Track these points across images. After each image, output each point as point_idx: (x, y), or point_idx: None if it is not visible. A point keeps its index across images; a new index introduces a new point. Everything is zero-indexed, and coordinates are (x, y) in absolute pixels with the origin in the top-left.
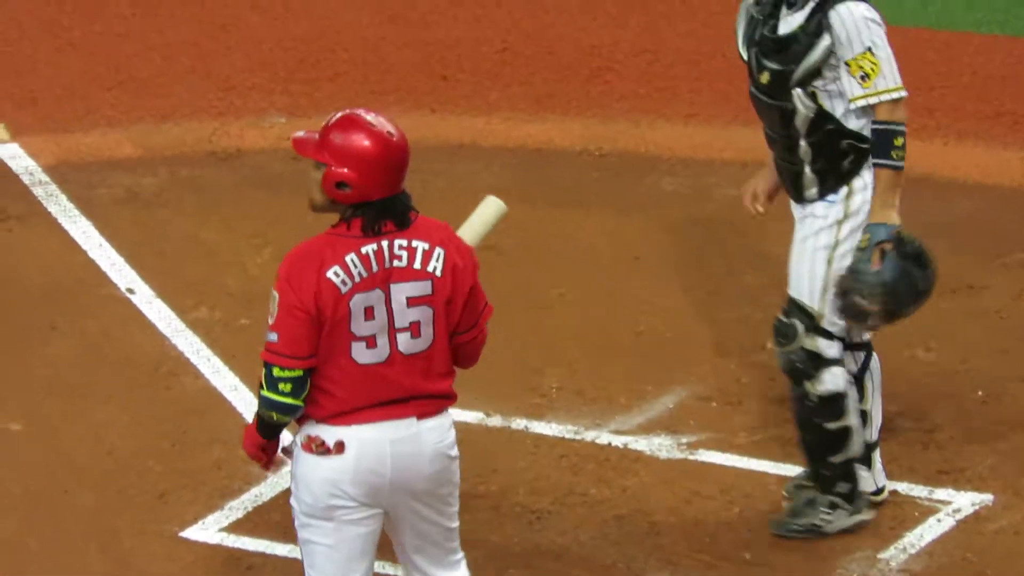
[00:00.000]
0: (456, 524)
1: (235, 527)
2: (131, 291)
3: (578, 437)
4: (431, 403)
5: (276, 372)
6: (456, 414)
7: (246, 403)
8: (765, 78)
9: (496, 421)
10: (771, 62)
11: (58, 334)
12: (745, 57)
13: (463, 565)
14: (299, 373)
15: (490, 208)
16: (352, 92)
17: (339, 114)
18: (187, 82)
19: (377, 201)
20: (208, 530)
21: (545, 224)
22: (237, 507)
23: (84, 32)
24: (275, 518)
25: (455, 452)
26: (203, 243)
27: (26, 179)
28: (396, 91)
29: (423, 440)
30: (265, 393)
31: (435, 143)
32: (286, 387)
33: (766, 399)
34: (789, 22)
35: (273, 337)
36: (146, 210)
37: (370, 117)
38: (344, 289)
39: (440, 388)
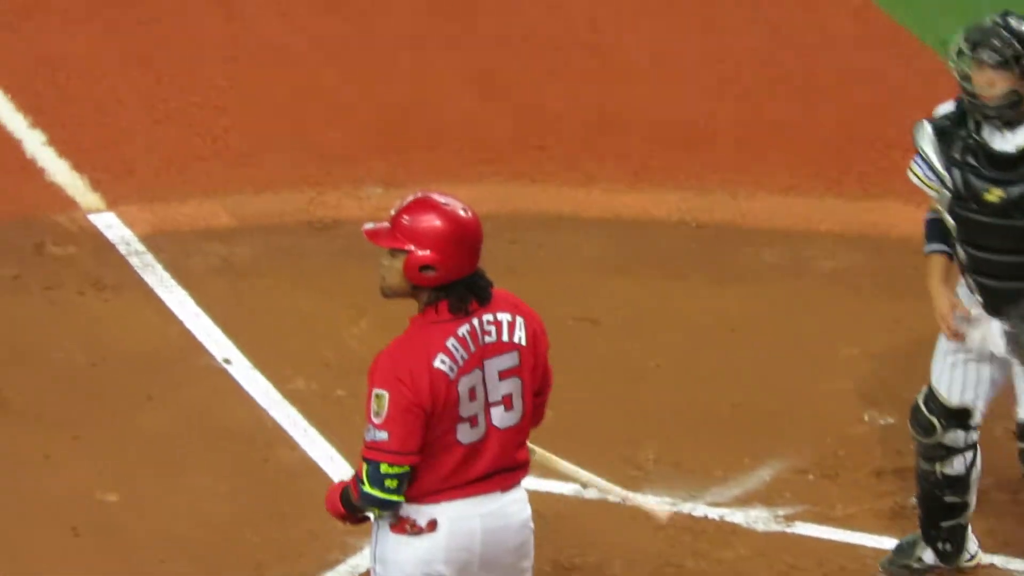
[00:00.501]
0: None
1: None
2: (228, 361)
3: (674, 509)
4: (512, 475)
5: (384, 468)
6: (553, 486)
7: (342, 473)
8: (994, 196)
9: (592, 493)
10: (1001, 181)
11: (154, 404)
12: (944, 179)
13: None
14: (407, 469)
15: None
16: (449, 162)
17: (410, 198)
18: (283, 152)
19: (461, 280)
20: None
21: (642, 295)
22: None
23: (181, 103)
24: None
25: (532, 524)
26: (300, 313)
27: (122, 248)
28: (494, 162)
29: (509, 512)
30: (368, 490)
31: (534, 213)
32: (392, 483)
33: (863, 472)
34: (1011, 139)
35: (381, 436)
36: (242, 280)
37: (441, 198)
38: (452, 375)
39: (520, 458)
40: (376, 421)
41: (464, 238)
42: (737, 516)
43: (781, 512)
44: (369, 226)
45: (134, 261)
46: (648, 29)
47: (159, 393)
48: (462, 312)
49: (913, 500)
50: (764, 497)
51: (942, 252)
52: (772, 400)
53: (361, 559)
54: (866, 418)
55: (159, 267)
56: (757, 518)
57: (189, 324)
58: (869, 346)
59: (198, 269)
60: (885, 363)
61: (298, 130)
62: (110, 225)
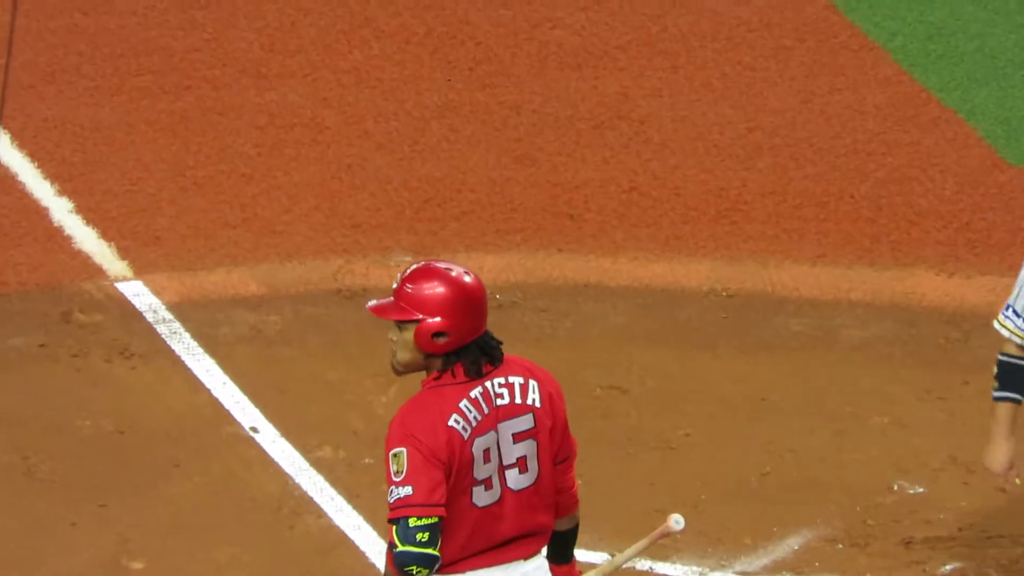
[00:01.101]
0: None
1: None
2: (255, 430)
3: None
4: (534, 541)
5: (412, 522)
6: (582, 555)
7: (370, 542)
8: None
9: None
10: None
11: (181, 472)
12: None
13: None
14: (436, 520)
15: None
16: (478, 231)
17: (411, 268)
18: (312, 221)
19: (472, 343)
20: None
21: (671, 365)
22: None
23: (209, 172)
24: None
25: None
26: (328, 382)
27: (150, 317)
28: (522, 231)
29: None
30: (401, 548)
31: (561, 283)
32: (424, 536)
33: (892, 541)
34: None
35: (405, 491)
36: (270, 348)
37: (441, 264)
38: (466, 436)
39: (543, 523)
40: (397, 480)
41: (471, 300)
42: None
43: None
44: (374, 303)
45: (161, 329)
46: (678, 99)
47: (186, 461)
48: (476, 374)
49: (944, 569)
50: (793, 566)
51: (1014, 401)
52: (801, 469)
53: None
54: (895, 487)
55: (187, 335)
56: None
57: (216, 392)
58: (899, 415)
59: (226, 338)
60: (915, 432)
61: (327, 199)
62: (137, 293)
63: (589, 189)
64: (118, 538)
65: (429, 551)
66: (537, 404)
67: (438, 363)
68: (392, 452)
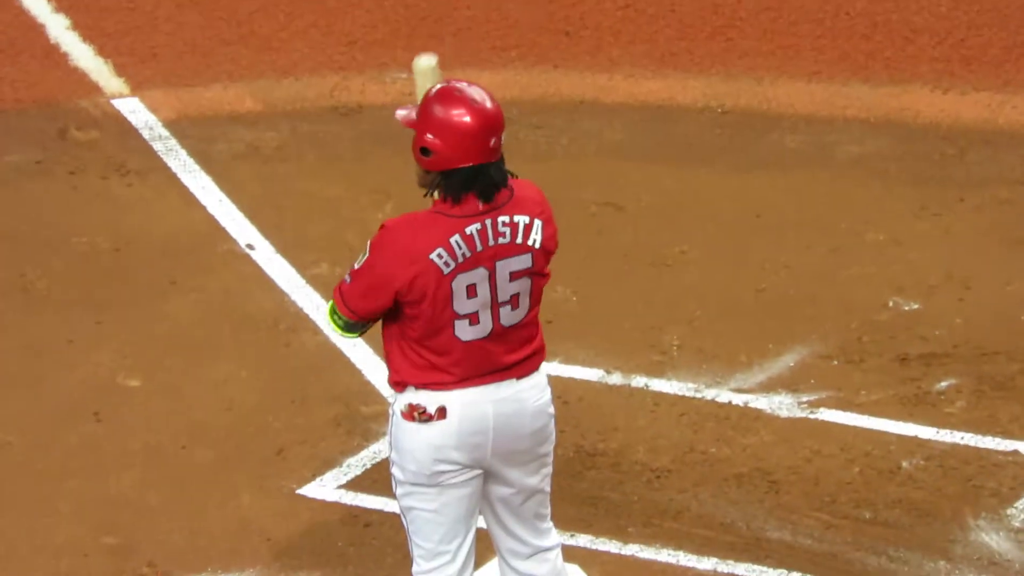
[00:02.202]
0: (549, 489)
1: (353, 484)
2: (251, 247)
3: (698, 395)
4: (528, 364)
5: (336, 308)
6: (576, 371)
7: (365, 359)
8: None
9: (616, 379)
10: None
11: (177, 290)
12: None
13: (554, 533)
14: (352, 321)
15: (421, 72)
16: (474, 48)
17: (438, 85)
18: (309, 37)
19: (462, 170)
20: (326, 487)
21: (667, 182)
22: (355, 464)
23: None
24: None
25: (552, 409)
26: (324, 199)
27: (146, 134)
28: (518, 47)
29: (524, 398)
30: (328, 316)
31: (557, 100)
32: (339, 321)
33: (887, 357)
34: None
35: (347, 280)
36: (266, 165)
37: (463, 87)
38: (447, 271)
39: (535, 353)
40: (354, 266)
41: (464, 126)
42: (761, 402)
43: (805, 398)
44: (402, 111)
45: (158, 146)
46: None
47: (182, 278)
48: (454, 200)
49: (939, 386)
50: (788, 383)
51: None
52: (797, 286)
53: (382, 445)
54: (891, 304)
55: (183, 152)
56: (781, 404)
57: (212, 209)
58: (894, 232)
59: (222, 154)
60: (911, 249)
61: (324, 15)
62: (134, 110)
63: (585, 6)
64: (115, 355)
65: (341, 333)
66: (537, 245)
67: (430, 181)
68: (368, 244)
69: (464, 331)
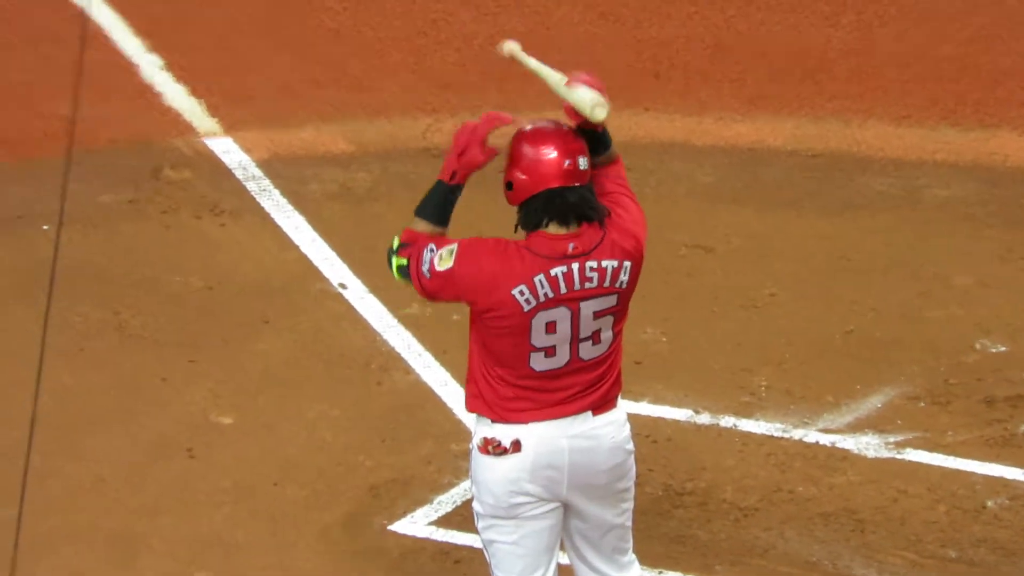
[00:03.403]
0: (630, 523)
1: (443, 521)
2: (343, 286)
3: (786, 435)
4: (605, 400)
5: (405, 267)
6: (665, 411)
7: (456, 398)
8: None
9: (705, 419)
10: None
11: (270, 329)
12: None
13: (636, 567)
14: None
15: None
16: None
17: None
18: (400, 78)
19: (534, 198)
20: (417, 524)
21: (756, 224)
22: (446, 501)
23: (298, 30)
24: None
25: (631, 447)
26: None
27: (239, 174)
28: (609, 89)
29: (600, 434)
30: (390, 253)
31: (647, 141)
32: (399, 267)
33: (973, 400)
34: None
35: (424, 264)
36: (359, 205)
37: (542, 124)
38: (527, 308)
39: (613, 390)
40: (431, 255)
41: (539, 153)
42: (848, 442)
43: (892, 439)
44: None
45: (251, 186)
46: None
47: (275, 318)
48: (532, 227)
49: None
50: (875, 424)
51: None
52: (884, 328)
53: None
54: (978, 347)
55: (276, 192)
56: (868, 444)
57: (305, 249)
58: (982, 275)
59: (315, 194)
60: (998, 292)
61: (415, 58)
62: (227, 150)
63: (674, 47)
64: (208, 393)
65: (399, 276)
66: (624, 286)
67: (521, 217)
68: (456, 249)
69: (539, 363)
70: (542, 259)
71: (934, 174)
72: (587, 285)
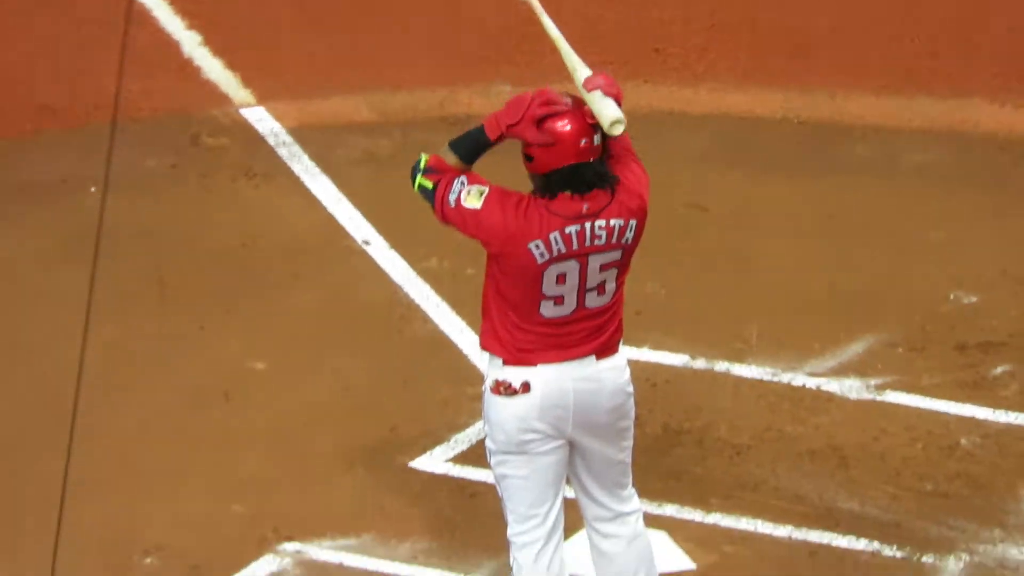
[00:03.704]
0: (630, 460)
1: (460, 458)
2: (367, 243)
3: (775, 379)
4: (608, 346)
5: (432, 187)
6: (664, 357)
7: (472, 345)
8: None
9: (701, 364)
10: None
11: (300, 283)
12: None
13: (635, 499)
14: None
15: (602, 106)
16: None
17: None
18: (420, 54)
19: (555, 173)
20: (435, 461)
21: (748, 187)
22: (462, 440)
23: (326, 8)
24: None
25: (631, 389)
26: None
27: (271, 140)
28: (612, 63)
29: (603, 378)
30: (417, 170)
31: (647, 111)
32: (423, 183)
33: (947, 346)
34: None
35: (451, 196)
36: (381, 170)
37: (554, 96)
38: (541, 260)
39: (615, 336)
40: (460, 187)
41: (561, 134)
42: (833, 385)
43: (872, 382)
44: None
45: (282, 152)
46: None
47: (304, 272)
48: (549, 196)
49: (995, 371)
50: (857, 368)
51: None
52: (865, 281)
53: None
54: (951, 298)
55: (305, 157)
56: (851, 387)
57: (332, 209)
58: (955, 232)
59: (341, 160)
60: (969, 248)
61: (433, 34)
62: (260, 119)
63: (673, 26)
64: (243, 341)
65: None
66: (628, 242)
67: (539, 184)
68: (486, 193)
69: (548, 310)
70: (559, 218)
71: (911, 140)
72: (596, 242)
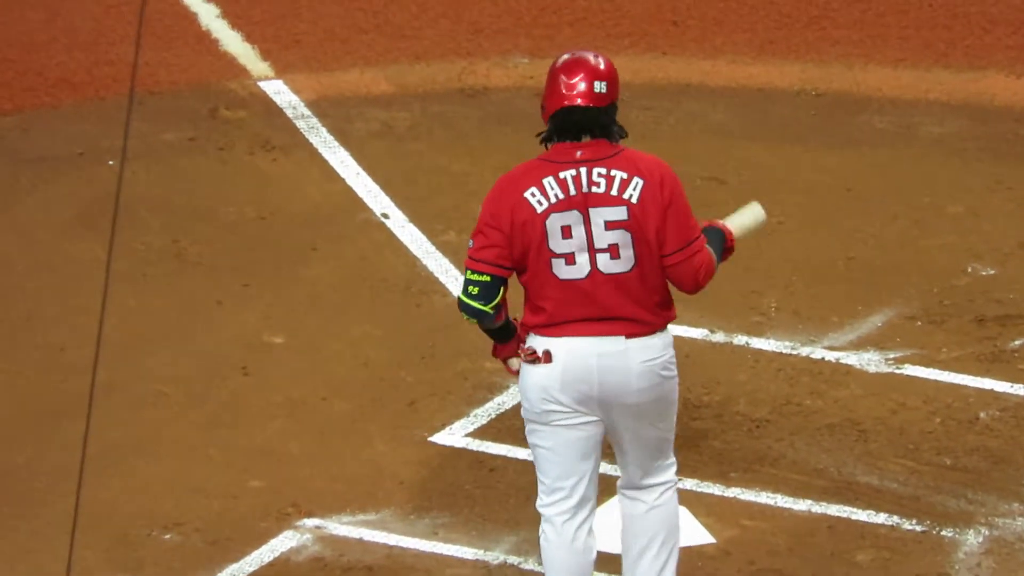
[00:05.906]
0: (671, 436)
1: (479, 432)
2: (385, 216)
3: (794, 352)
4: (640, 326)
5: (468, 275)
6: (682, 331)
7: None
8: None
9: (720, 337)
10: None
11: (318, 255)
12: None
13: (670, 471)
14: (487, 279)
15: (750, 214)
16: (590, 36)
17: None
18: (438, 26)
19: (557, 112)
20: (454, 435)
21: (765, 158)
22: (481, 414)
23: None
24: (516, 424)
25: (669, 372)
26: (452, 173)
27: (289, 113)
28: (630, 35)
29: (630, 357)
30: (459, 296)
31: (666, 83)
32: (474, 290)
33: (966, 319)
34: None
35: (471, 243)
36: (400, 143)
37: (578, 53)
38: (539, 209)
39: (650, 317)
40: (474, 230)
41: (555, 70)
42: (851, 359)
43: (891, 355)
44: None
45: (300, 124)
46: None
47: (322, 245)
48: (544, 140)
49: (1013, 344)
50: (876, 341)
51: None
52: (883, 254)
53: (506, 397)
54: (969, 270)
55: (323, 130)
56: (869, 360)
57: (350, 182)
58: (972, 204)
59: (359, 132)
60: (987, 220)
61: (452, 6)
62: (278, 91)
63: None
64: (260, 315)
65: (477, 305)
66: (634, 200)
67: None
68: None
69: (561, 270)
70: (553, 164)
71: (928, 112)
72: (594, 189)
